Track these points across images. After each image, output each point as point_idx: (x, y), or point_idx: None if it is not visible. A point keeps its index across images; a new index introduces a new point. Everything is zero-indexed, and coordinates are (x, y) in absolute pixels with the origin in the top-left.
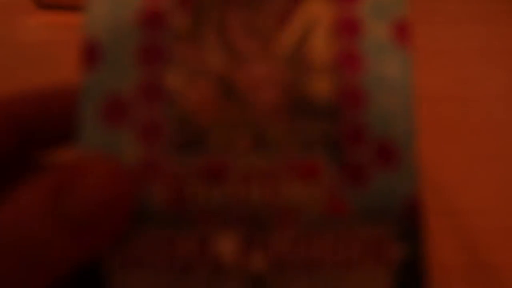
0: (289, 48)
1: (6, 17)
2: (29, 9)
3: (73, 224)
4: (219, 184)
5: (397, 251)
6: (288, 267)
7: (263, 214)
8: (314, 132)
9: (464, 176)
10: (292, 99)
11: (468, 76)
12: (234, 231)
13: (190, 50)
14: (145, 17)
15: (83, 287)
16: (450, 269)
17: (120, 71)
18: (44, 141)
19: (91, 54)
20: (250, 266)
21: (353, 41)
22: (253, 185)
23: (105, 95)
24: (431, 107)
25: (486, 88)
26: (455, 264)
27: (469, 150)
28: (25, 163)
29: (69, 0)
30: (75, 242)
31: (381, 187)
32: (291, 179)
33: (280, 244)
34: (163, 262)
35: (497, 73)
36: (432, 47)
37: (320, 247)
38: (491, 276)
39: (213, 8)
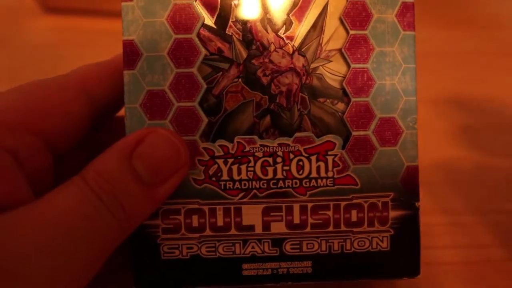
0: (305, 37)
1: (12, 20)
2: (35, 12)
3: (145, 175)
4: (245, 163)
5: (397, 212)
6: (303, 229)
7: (283, 187)
8: (328, 114)
9: (459, 175)
10: (309, 84)
11: (463, 78)
12: (258, 202)
13: (217, 44)
14: (176, 19)
15: (136, 251)
16: (445, 267)
17: (157, 68)
18: (114, 112)
19: (130, 54)
20: (271, 229)
21: (364, 28)
22: (274, 163)
23: (145, 90)
24: (427, 108)
25: (481, 89)
26: (451, 262)
27: (464, 150)
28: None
29: (74, 3)
30: (147, 194)
31: (383, 161)
32: (308, 157)
33: (297, 211)
34: (204, 226)
35: (491, 75)
36: (429, 50)
37: (330, 213)
38: (486, 273)
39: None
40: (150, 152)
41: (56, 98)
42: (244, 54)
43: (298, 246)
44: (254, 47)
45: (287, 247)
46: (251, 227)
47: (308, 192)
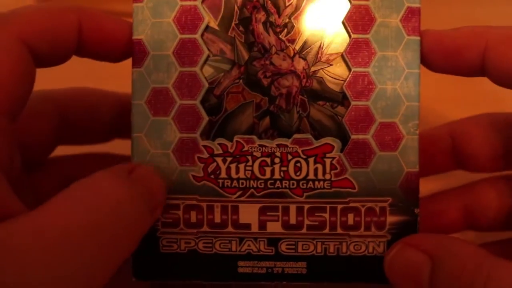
0: (306, 40)
1: None
2: None
3: (146, 199)
4: (244, 162)
5: (394, 217)
6: (299, 230)
7: (280, 187)
8: (327, 117)
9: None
10: (309, 87)
11: (462, 78)
12: (255, 201)
13: (220, 45)
14: (181, 20)
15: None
16: None
17: (162, 67)
18: (81, 132)
19: (138, 53)
20: (268, 228)
21: (366, 32)
22: (272, 163)
23: (150, 88)
24: (427, 108)
25: (482, 88)
26: None
27: None
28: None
29: (74, 3)
30: (151, 216)
31: (382, 166)
32: (306, 159)
33: (293, 212)
34: (201, 222)
35: None
36: None
37: (326, 215)
38: None
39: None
40: (144, 179)
41: None
42: (246, 56)
43: (293, 247)
44: (255, 49)
45: (283, 247)
46: (247, 226)
47: (305, 194)
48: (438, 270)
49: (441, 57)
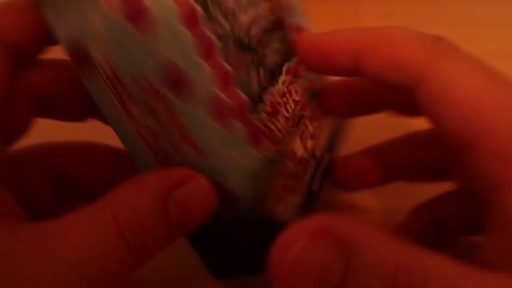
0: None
1: None
2: None
3: (175, 220)
4: (278, 112)
5: None
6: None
7: (298, 114)
8: (281, 44)
9: None
10: (266, 28)
11: None
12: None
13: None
14: None
15: None
16: None
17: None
18: (81, 192)
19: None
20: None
21: None
22: (288, 100)
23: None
24: None
25: None
26: None
27: None
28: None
29: None
30: (170, 236)
31: None
32: (295, 79)
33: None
34: None
35: None
36: None
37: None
38: None
39: None
40: (188, 200)
41: None
42: (227, 26)
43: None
44: (230, 17)
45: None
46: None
47: (306, 103)
48: (355, 270)
49: (316, 60)
